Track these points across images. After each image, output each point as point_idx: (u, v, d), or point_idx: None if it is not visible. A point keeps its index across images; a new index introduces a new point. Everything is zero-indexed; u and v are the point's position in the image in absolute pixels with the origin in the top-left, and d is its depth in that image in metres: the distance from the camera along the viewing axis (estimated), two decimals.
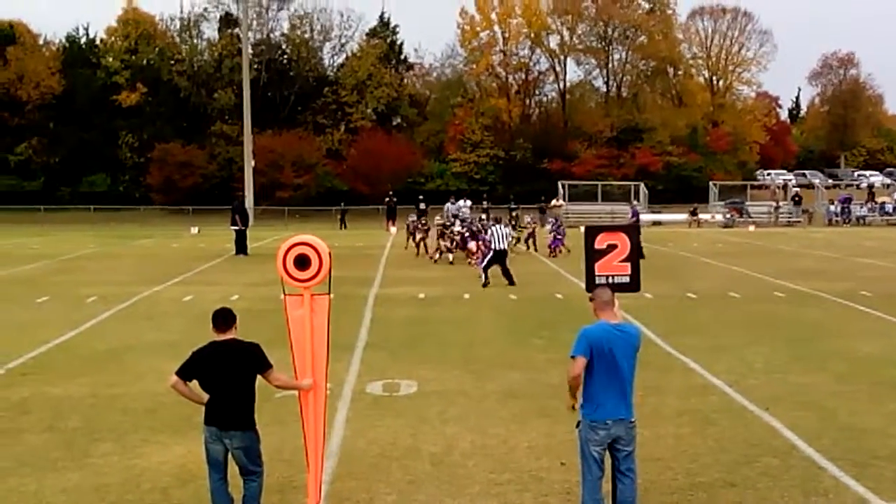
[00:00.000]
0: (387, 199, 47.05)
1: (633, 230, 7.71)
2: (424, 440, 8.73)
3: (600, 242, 7.41)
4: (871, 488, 7.37)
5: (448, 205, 40.36)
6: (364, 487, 7.49)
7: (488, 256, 21.20)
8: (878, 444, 8.51)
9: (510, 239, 22.43)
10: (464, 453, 8.35)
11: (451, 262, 25.64)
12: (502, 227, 21.75)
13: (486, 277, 20.47)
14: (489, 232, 22.20)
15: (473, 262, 24.62)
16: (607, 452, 6.35)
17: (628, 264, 7.30)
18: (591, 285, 7.37)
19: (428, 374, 11.55)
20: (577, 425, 6.38)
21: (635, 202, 30.26)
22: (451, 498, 7.30)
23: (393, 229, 41.96)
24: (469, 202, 44.06)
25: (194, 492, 7.30)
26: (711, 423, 9.24)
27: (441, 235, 27.12)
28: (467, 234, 26.82)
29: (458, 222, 29.15)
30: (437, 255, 26.74)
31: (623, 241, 7.38)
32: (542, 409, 9.70)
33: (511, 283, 20.38)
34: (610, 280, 7.26)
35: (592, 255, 7.43)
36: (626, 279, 7.26)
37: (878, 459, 8.05)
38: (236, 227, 29.39)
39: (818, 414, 9.57)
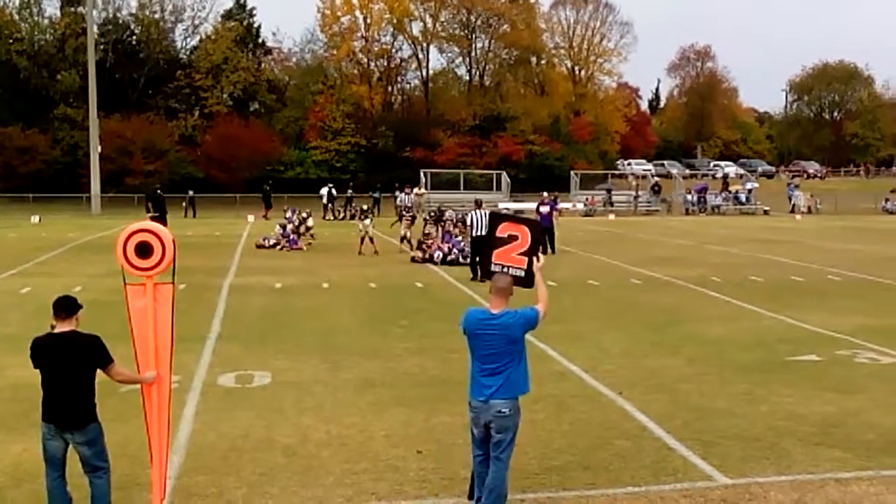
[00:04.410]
0: (266, 186, 46.50)
1: (536, 226, 7.51)
2: (278, 432, 8.46)
3: (502, 231, 7.26)
4: (716, 466, 7.59)
5: (402, 195, 39.56)
6: (213, 482, 7.19)
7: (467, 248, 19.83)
8: (725, 423, 8.78)
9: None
10: (319, 444, 8.13)
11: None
12: (483, 211, 19.66)
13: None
14: (468, 217, 20.24)
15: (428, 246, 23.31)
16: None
17: (525, 259, 7.15)
18: (486, 271, 7.33)
19: (283, 364, 11.23)
20: None
21: (545, 194, 29.91)
22: (305, 489, 7.08)
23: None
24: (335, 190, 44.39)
25: (31, 491, 6.88)
26: (567, 408, 9.32)
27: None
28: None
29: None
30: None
31: (524, 235, 7.21)
32: (400, 398, 9.58)
33: (473, 277, 18.59)
34: (506, 270, 7.12)
35: (492, 242, 7.26)
36: (522, 273, 7.11)
37: (725, 439, 8.31)
38: (151, 215, 27.96)
39: (670, 396, 9.81)
